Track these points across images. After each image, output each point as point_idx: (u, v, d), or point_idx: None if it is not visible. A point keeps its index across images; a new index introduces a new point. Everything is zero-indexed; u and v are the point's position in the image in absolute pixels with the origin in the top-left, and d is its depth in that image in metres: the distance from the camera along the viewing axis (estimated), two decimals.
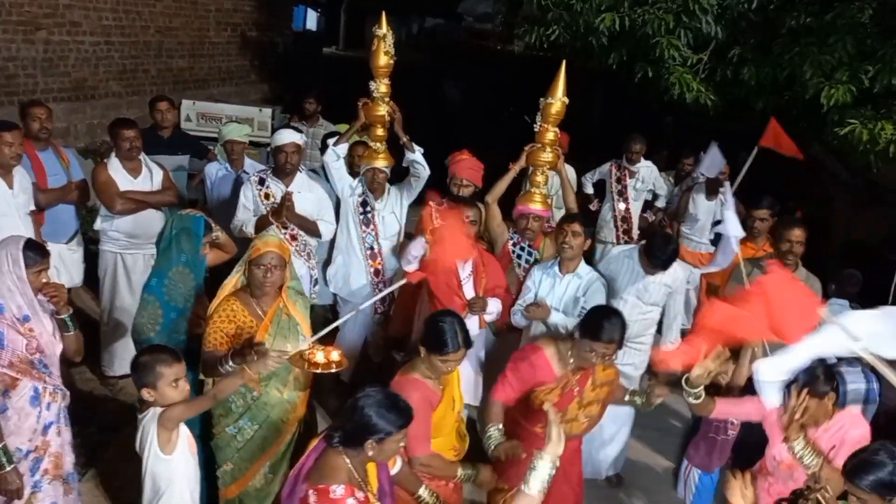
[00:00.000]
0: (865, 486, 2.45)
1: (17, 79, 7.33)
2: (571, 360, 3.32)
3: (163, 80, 9.52)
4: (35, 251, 3.17)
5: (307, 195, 4.80)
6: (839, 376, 3.20)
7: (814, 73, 5.27)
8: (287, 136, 4.76)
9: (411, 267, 4.31)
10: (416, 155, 4.83)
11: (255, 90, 11.67)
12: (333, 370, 3.20)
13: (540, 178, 4.60)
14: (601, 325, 3.19)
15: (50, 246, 4.85)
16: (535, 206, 4.54)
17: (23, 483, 3.13)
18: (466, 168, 4.96)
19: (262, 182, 4.81)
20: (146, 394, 2.82)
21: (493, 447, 3.30)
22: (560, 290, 4.17)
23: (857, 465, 2.50)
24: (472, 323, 4.12)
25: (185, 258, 3.61)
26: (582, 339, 3.23)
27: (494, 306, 4.20)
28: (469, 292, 4.20)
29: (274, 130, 7.72)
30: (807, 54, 5.32)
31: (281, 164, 4.74)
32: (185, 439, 2.90)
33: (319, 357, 3.17)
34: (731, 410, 3.39)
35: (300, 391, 3.48)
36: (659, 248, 4.09)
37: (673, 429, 4.94)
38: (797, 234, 4.24)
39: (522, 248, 4.58)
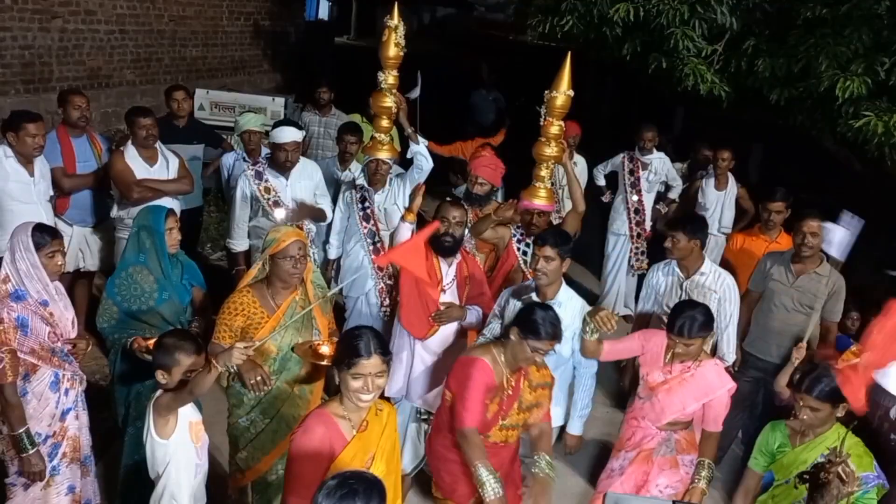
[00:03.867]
0: (819, 395, 2.90)
1: (32, 67, 7.38)
2: (504, 364, 3.18)
3: (176, 69, 9.57)
4: (44, 233, 3.21)
5: (305, 183, 4.88)
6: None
7: (829, 64, 5.22)
8: (288, 135, 4.76)
9: None
10: (421, 147, 4.82)
11: (268, 79, 11.69)
12: None
13: (544, 173, 4.49)
14: (542, 323, 3.08)
15: (75, 229, 5.01)
16: (540, 202, 4.44)
17: (46, 465, 3.20)
18: (483, 166, 4.93)
19: (259, 176, 4.81)
20: (159, 375, 2.87)
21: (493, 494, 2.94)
22: None
23: (811, 380, 2.94)
24: (449, 329, 4.04)
25: (143, 258, 3.57)
26: (523, 341, 3.09)
27: (473, 315, 4.04)
28: (451, 298, 4.08)
29: (286, 120, 7.80)
30: (822, 46, 5.28)
31: (282, 162, 4.77)
32: (185, 426, 2.92)
33: (325, 349, 3.16)
34: (616, 349, 3.66)
35: (312, 387, 3.46)
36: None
37: None
38: (811, 225, 4.20)
39: (528, 245, 4.43)
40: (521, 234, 4.49)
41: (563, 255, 3.64)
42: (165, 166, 4.97)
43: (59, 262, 3.24)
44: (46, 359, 3.21)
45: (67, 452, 3.35)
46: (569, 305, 3.70)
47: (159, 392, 2.88)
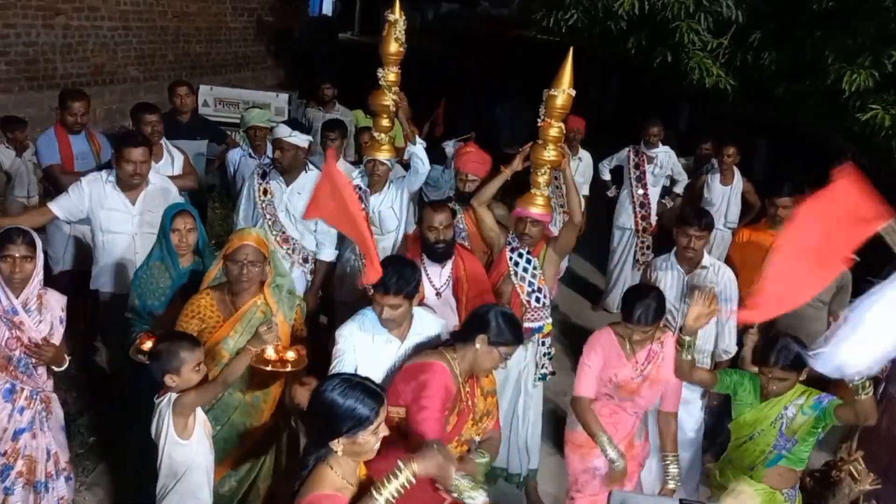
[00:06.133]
0: (784, 365, 3.08)
1: (36, 64, 7.39)
2: (460, 373, 2.90)
3: (180, 66, 9.56)
4: (8, 236, 3.05)
5: (305, 196, 4.43)
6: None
7: (835, 57, 5.21)
8: (282, 131, 4.42)
9: None
10: (417, 148, 4.64)
11: (272, 75, 11.70)
12: (288, 369, 3.01)
13: (541, 179, 4.08)
14: (512, 328, 2.90)
15: (74, 227, 4.86)
16: (535, 210, 4.03)
17: None
18: (471, 161, 4.66)
19: (263, 176, 4.56)
20: (169, 380, 2.80)
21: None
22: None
23: (776, 353, 3.10)
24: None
25: (158, 254, 3.57)
26: (493, 348, 2.87)
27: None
28: (448, 300, 3.89)
29: (290, 115, 7.79)
30: (828, 39, 5.26)
31: (276, 160, 4.48)
32: (201, 423, 2.90)
33: (269, 353, 3.00)
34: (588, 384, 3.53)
35: (267, 395, 3.30)
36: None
37: None
38: None
39: (521, 255, 4.11)
40: (516, 244, 4.12)
41: (410, 296, 3.11)
42: (170, 162, 4.95)
43: (17, 271, 3.03)
44: (2, 366, 3.07)
45: (23, 472, 3.18)
46: (428, 332, 3.30)
47: (174, 394, 2.82)
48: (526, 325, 4.05)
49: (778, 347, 3.13)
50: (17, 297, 3.06)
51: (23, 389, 3.14)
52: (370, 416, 2.16)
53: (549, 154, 4.02)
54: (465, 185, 4.62)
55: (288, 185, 4.51)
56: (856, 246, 2.43)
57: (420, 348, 3.13)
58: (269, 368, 3.00)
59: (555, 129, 3.98)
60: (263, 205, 4.51)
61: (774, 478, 3.24)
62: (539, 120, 4.03)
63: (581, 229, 4.30)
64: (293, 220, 4.54)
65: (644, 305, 3.29)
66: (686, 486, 3.94)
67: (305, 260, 4.61)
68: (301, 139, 4.48)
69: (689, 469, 4.02)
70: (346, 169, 5.36)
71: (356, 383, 2.22)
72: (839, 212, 2.35)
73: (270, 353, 3.01)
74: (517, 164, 4.17)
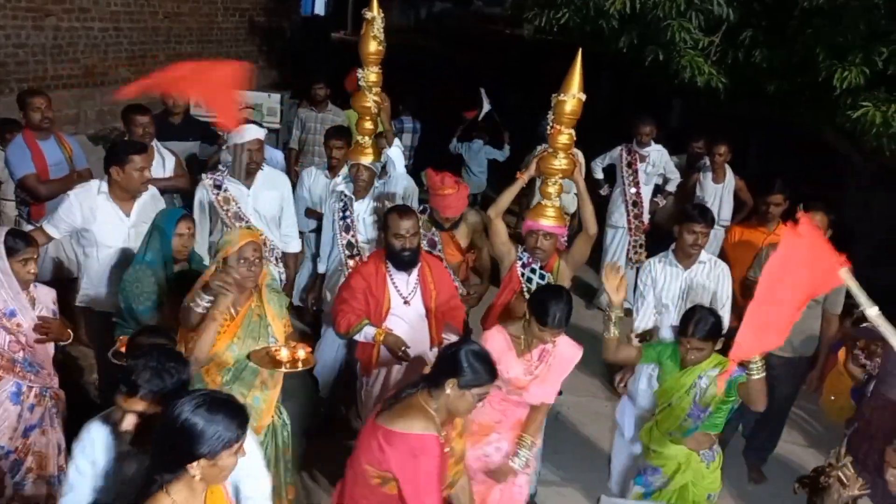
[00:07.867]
0: (701, 336, 3.25)
1: (26, 65, 7.34)
2: (438, 421, 2.71)
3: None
4: (18, 239, 3.11)
5: (270, 193, 4.52)
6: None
7: (826, 55, 5.22)
8: (249, 133, 4.34)
9: None
10: (392, 150, 4.50)
11: (264, 76, 11.64)
12: (300, 369, 3.06)
13: (552, 189, 3.95)
14: (484, 367, 2.71)
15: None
16: (547, 222, 3.92)
17: (4, 481, 3.10)
18: (450, 207, 4.47)
19: (218, 185, 4.42)
20: None
21: None
22: None
23: (694, 324, 3.25)
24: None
25: (149, 257, 3.52)
26: (465, 391, 2.68)
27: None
28: (417, 308, 3.83)
29: (283, 115, 7.76)
30: (819, 36, 5.28)
31: (245, 165, 4.39)
32: None
33: (283, 354, 3.04)
34: None
35: (266, 396, 3.30)
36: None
37: None
38: (818, 219, 4.18)
39: (533, 271, 3.98)
40: (527, 259, 4.00)
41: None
42: (161, 164, 4.94)
43: (31, 270, 3.14)
44: (8, 368, 3.11)
45: (33, 468, 3.23)
46: None
47: None
48: None
49: (695, 319, 3.29)
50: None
51: (31, 388, 3.19)
52: (233, 437, 2.07)
53: (560, 163, 3.90)
54: (446, 222, 4.55)
55: (249, 187, 4.45)
56: (819, 292, 2.57)
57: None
58: (283, 370, 3.06)
59: (565, 137, 3.83)
60: (228, 214, 4.39)
61: (692, 443, 3.46)
62: (548, 127, 3.90)
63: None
64: (265, 221, 4.50)
65: (559, 309, 3.25)
66: None
67: (277, 260, 4.62)
68: (263, 132, 4.48)
69: None
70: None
71: (219, 401, 2.09)
72: (803, 259, 2.46)
73: (284, 353, 3.07)
74: (533, 170, 4.04)
